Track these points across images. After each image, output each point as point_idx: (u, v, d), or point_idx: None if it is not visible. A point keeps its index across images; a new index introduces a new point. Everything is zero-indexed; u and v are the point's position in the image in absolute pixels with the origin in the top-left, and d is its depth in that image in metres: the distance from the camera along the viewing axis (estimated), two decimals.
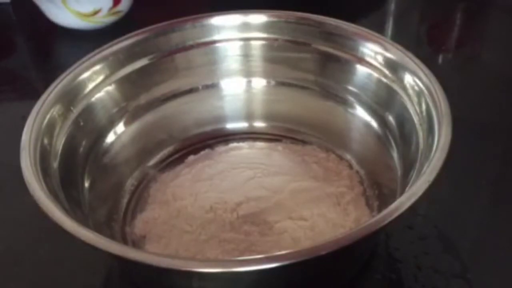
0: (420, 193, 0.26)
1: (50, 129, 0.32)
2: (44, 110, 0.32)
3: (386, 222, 0.25)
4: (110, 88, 0.37)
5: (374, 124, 0.37)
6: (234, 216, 0.34)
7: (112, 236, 0.33)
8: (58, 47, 0.59)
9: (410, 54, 0.35)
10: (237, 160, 0.39)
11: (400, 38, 0.53)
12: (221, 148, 0.41)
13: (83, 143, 0.35)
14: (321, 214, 0.34)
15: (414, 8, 0.61)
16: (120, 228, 0.35)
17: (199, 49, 0.40)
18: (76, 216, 0.28)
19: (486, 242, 0.35)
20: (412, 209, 0.26)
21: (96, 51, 0.37)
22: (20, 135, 0.31)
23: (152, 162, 0.40)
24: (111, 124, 0.38)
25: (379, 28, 0.55)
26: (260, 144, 0.42)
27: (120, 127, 0.38)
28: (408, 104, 0.34)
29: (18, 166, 0.29)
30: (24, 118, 0.32)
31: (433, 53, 0.54)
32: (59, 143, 0.33)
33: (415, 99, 0.33)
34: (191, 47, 0.40)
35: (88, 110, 0.36)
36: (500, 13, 0.60)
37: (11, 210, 0.38)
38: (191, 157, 0.41)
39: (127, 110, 0.39)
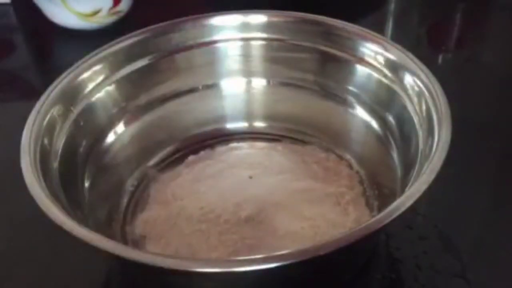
0: (420, 193, 0.26)
1: (50, 129, 0.32)
2: (44, 110, 0.32)
3: (386, 222, 0.25)
4: (110, 88, 0.37)
5: (374, 124, 0.37)
6: (234, 216, 0.34)
7: (112, 236, 0.33)
8: (58, 47, 0.59)
9: (410, 54, 0.35)
10: (237, 160, 0.39)
11: (400, 38, 0.53)
12: (221, 148, 0.41)
13: (83, 143, 0.35)
14: (321, 214, 0.34)
15: (414, 8, 0.61)
16: (120, 228, 0.35)
17: (199, 49, 0.40)
18: (76, 216, 0.28)
19: (486, 242, 0.35)
20: (412, 209, 0.26)
21: (96, 51, 0.37)
22: (20, 135, 0.31)
23: (152, 162, 0.40)
24: (111, 124, 0.38)
25: (379, 28, 0.55)
26: (260, 144, 0.42)
27: (120, 127, 0.38)
28: (408, 104, 0.34)
29: (18, 166, 0.29)
30: (24, 118, 0.32)
31: (433, 53, 0.54)
32: (59, 143, 0.33)
33: (415, 99, 0.33)
34: (191, 47, 0.40)
35: (88, 110, 0.36)
36: (500, 13, 0.60)
37: (11, 210, 0.38)
38: (191, 157, 0.41)
39: (127, 110, 0.39)
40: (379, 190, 0.36)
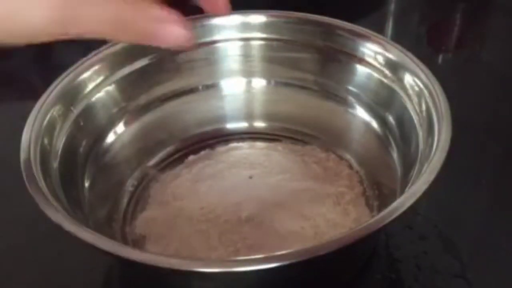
0: (420, 193, 0.26)
1: (50, 129, 0.32)
2: (44, 110, 0.32)
3: (386, 222, 0.25)
4: (110, 88, 0.37)
5: (374, 124, 0.37)
6: (234, 216, 0.34)
7: (112, 236, 0.33)
8: (58, 47, 0.59)
9: (410, 54, 0.35)
10: (237, 160, 0.39)
11: (400, 38, 0.53)
12: (221, 148, 0.41)
13: (83, 143, 0.35)
14: (321, 214, 0.34)
15: (414, 8, 0.61)
16: (120, 228, 0.35)
17: (199, 49, 0.40)
18: (76, 216, 0.28)
19: (486, 242, 0.35)
20: (412, 209, 0.26)
21: (96, 51, 0.37)
22: (20, 135, 0.31)
23: (152, 162, 0.40)
24: (111, 124, 0.38)
25: (379, 28, 0.55)
26: (260, 144, 0.42)
27: (120, 127, 0.38)
28: (408, 104, 0.34)
29: (18, 166, 0.29)
30: (24, 118, 0.32)
31: (433, 53, 0.54)
32: (59, 143, 0.33)
33: (415, 99, 0.33)
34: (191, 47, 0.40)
35: (88, 110, 0.36)
36: (500, 13, 0.60)
37: (11, 210, 0.38)
38: (191, 157, 0.41)
39: (127, 110, 0.39)
40: (379, 190, 0.36)
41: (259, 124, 0.43)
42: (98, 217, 0.34)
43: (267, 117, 0.43)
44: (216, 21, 0.40)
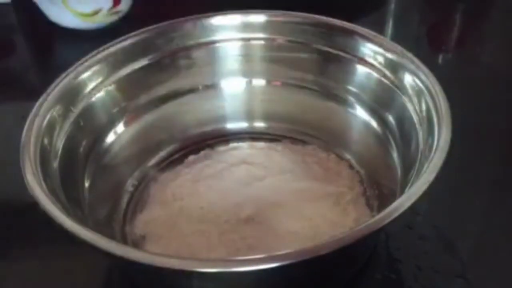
0: (420, 193, 0.26)
1: (50, 129, 0.32)
2: (44, 110, 0.32)
3: (386, 222, 0.25)
4: (110, 88, 0.37)
5: (374, 124, 0.37)
6: (234, 216, 0.34)
7: (112, 236, 0.33)
8: (58, 47, 0.59)
9: (410, 54, 0.35)
10: (237, 160, 0.39)
11: (400, 38, 0.53)
12: (221, 148, 0.41)
13: (83, 143, 0.35)
14: (321, 214, 0.34)
15: (414, 8, 0.61)
16: (120, 228, 0.35)
17: (199, 49, 0.40)
18: (76, 216, 0.28)
19: (486, 242, 0.35)
20: (412, 209, 0.26)
21: (96, 51, 0.37)
22: (20, 135, 0.31)
23: (152, 162, 0.40)
24: (111, 124, 0.38)
25: (379, 28, 0.55)
26: (260, 144, 0.42)
27: (120, 127, 0.38)
28: (408, 104, 0.34)
29: (18, 166, 0.29)
30: (24, 118, 0.32)
31: (433, 53, 0.54)
32: (59, 143, 0.33)
33: (415, 99, 0.33)
34: (191, 47, 0.40)
35: (88, 110, 0.36)
36: (500, 13, 0.60)
37: (11, 210, 0.38)
38: (191, 157, 0.41)
39: (127, 110, 0.39)
40: (379, 190, 0.36)
41: (259, 124, 0.43)
42: (98, 217, 0.34)
43: (267, 117, 0.43)
44: (216, 21, 0.40)
